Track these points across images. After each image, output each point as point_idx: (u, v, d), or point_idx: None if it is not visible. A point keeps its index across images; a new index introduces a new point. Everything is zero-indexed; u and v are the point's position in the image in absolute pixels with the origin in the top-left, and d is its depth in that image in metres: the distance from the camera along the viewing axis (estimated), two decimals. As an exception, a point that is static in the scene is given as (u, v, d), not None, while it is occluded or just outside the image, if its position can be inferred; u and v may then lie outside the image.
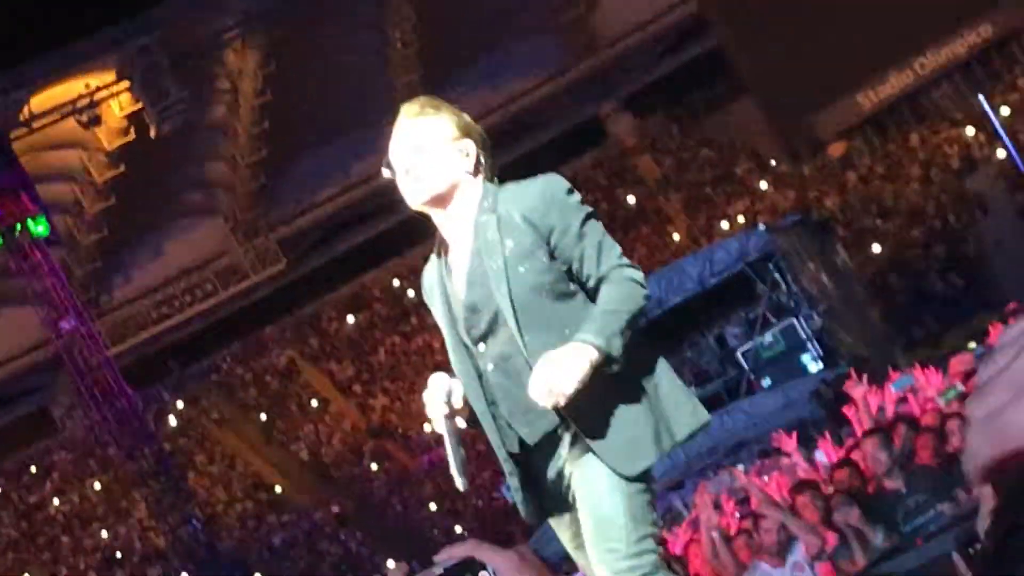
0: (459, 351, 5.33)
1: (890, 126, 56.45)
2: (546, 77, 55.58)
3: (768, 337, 31.19)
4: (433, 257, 5.45)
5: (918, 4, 52.78)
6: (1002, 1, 54.70)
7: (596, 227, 5.27)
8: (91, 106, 47.67)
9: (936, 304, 45.58)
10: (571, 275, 5.25)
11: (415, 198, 5.33)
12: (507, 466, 5.32)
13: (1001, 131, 31.02)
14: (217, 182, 58.69)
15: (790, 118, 55.71)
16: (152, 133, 47.86)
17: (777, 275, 31.68)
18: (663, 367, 5.40)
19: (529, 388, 5.04)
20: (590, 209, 5.32)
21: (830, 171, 55.80)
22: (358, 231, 58.67)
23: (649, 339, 5.26)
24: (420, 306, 56.26)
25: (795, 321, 31.10)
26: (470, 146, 5.36)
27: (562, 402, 5.01)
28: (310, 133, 57.21)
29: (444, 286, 5.37)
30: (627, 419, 5.23)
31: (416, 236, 43.89)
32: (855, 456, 11.82)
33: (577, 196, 5.36)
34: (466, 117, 5.54)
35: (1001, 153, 49.64)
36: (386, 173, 5.40)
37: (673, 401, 5.31)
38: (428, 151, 5.33)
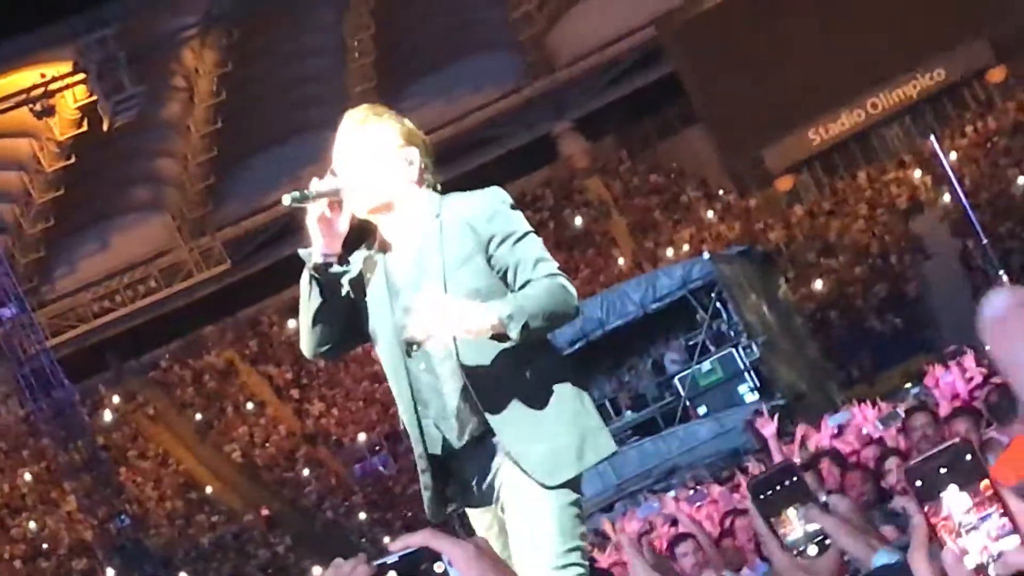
0: (391, 350, 5.32)
1: (839, 164, 56.81)
2: (501, 93, 55.77)
3: (706, 365, 31.15)
4: (375, 254, 5.43)
5: (873, 44, 53.30)
6: (957, 46, 55.09)
7: (535, 241, 5.29)
8: (45, 96, 47.38)
9: (874, 343, 45.92)
10: (506, 284, 5.26)
11: (361, 206, 5.30)
12: (421, 463, 5.33)
13: (950, 173, 31.21)
14: (166, 179, 58.40)
15: (740, 149, 56.06)
16: (105, 126, 47.67)
17: (719, 304, 32.06)
18: (586, 393, 5.46)
19: (417, 307, 5.09)
20: (530, 227, 5.34)
21: (777, 204, 56.01)
22: (305, 236, 55.96)
23: (586, 360, 5.24)
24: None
25: (734, 351, 31.16)
26: (414, 154, 5.34)
27: (433, 333, 5.05)
28: (263, 135, 57.25)
29: (386, 284, 5.37)
30: (551, 431, 5.23)
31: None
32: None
33: (519, 211, 5.38)
34: (409, 124, 5.52)
35: (947, 197, 50.01)
36: (328, 182, 5.30)
37: (597, 422, 5.34)
38: (372, 159, 5.30)
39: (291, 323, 57.19)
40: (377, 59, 55.24)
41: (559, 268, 5.30)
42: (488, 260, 5.27)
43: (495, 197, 5.43)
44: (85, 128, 48.83)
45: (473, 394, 5.25)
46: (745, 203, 57.03)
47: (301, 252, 5.33)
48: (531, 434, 5.22)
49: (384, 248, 5.37)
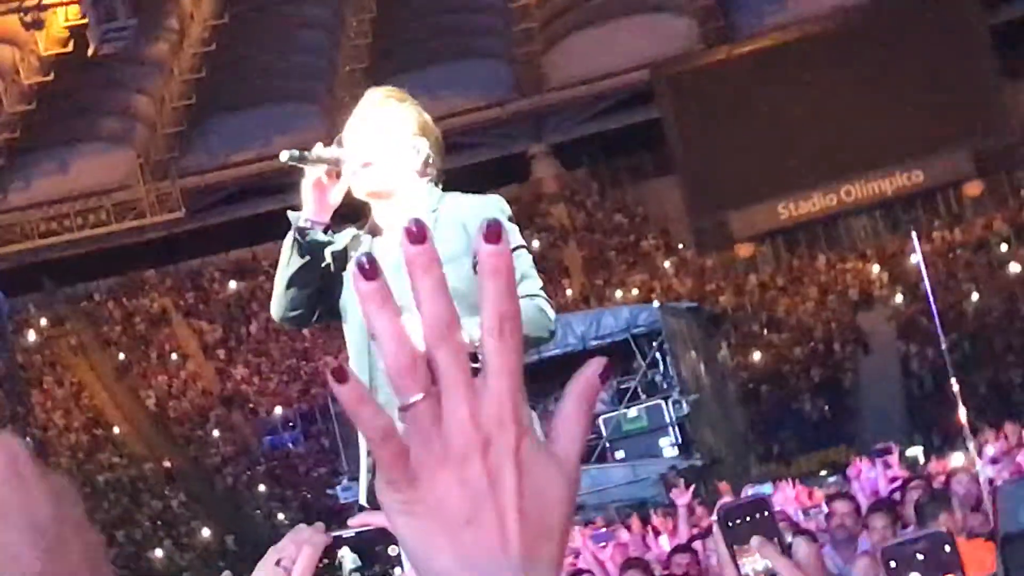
0: (359, 331, 5.35)
1: (801, 242, 57.09)
2: (486, 103, 56.14)
3: (633, 411, 31.27)
4: (365, 235, 5.44)
5: (858, 133, 53.75)
6: (940, 152, 55.43)
7: (525, 257, 5.36)
8: (38, 8, 47.41)
9: (799, 424, 46.11)
10: None
11: (361, 186, 5.32)
12: (364, 448, 5.17)
13: (924, 273, 31.56)
14: (140, 116, 58.43)
15: (708, 208, 56.04)
16: (90, 51, 47.62)
17: (658, 354, 31.83)
18: (536, 419, 5.20)
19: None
20: (523, 242, 5.45)
21: (732, 269, 56.22)
22: (263, 200, 57.11)
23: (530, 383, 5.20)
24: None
25: (663, 403, 31.23)
26: (424, 145, 5.37)
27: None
28: (242, 94, 57.45)
29: (369, 249, 5.35)
30: None
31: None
32: (696, 546, 11.94)
33: (515, 225, 5.42)
34: (426, 116, 5.55)
35: (899, 297, 50.83)
36: (332, 151, 5.30)
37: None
38: (383, 140, 5.33)
39: (232, 284, 57.09)
40: (372, 43, 55.44)
41: (542, 289, 5.34)
42: (474, 265, 4.95)
43: (495, 205, 5.49)
44: (70, 49, 48.81)
45: None
46: (702, 261, 57.06)
47: (290, 214, 5.34)
48: None
49: (374, 231, 5.38)
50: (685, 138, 56.75)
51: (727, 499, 14.65)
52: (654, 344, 32.15)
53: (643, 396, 32.04)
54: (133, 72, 57.13)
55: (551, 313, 5.29)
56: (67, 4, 47.88)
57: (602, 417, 30.01)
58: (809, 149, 54.54)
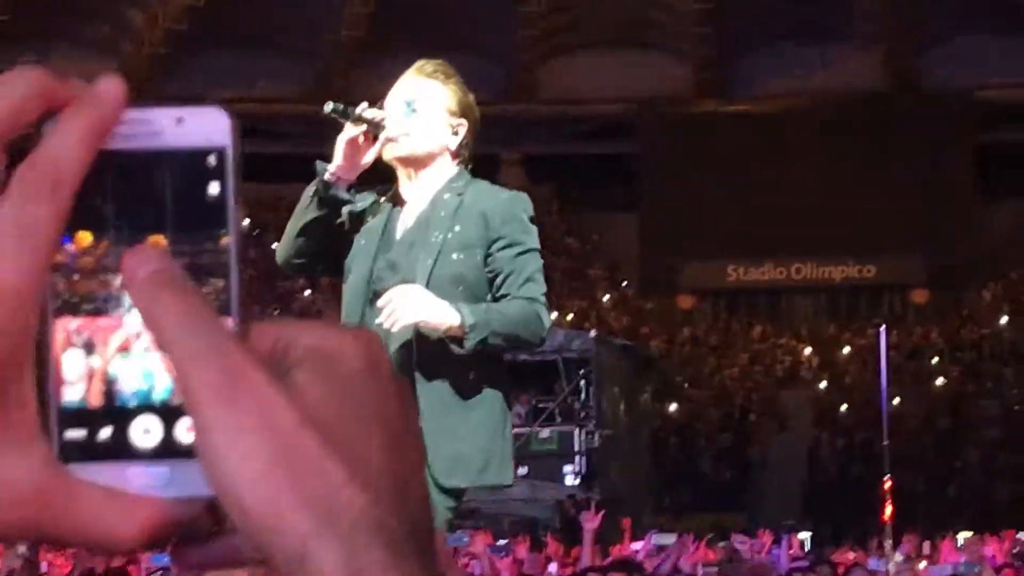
0: (357, 293, 5.43)
1: (742, 308, 57.52)
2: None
3: (545, 432, 31.47)
4: (386, 202, 5.47)
5: (822, 215, 54.36)
6: (896, 252, 56.28)
7: (537, 260, 5.42)
8: None
9: (699, 483, 46.31)
10: (491, 287, 5.37)
11: (393, 150, 5.35)
12: None
13: (883, 360, 32.16)
14: (129, 28, 58.62)
15: (660, 253, 56.23)
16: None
17: (583, 383, 32.26)
18: (510, 419, 5.63)
19: (389, 293, 5.17)
20: (538, 245, 5.49)
21: (670, 318, 56.65)
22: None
23: (514, 387, 5.39)
24: (249, 236, 55.62)
25: (577, 431, 31.39)
26: (463, 126, 5.42)
27: (395, 319, 5.10)
28: (237, 32, 57.46)
29: (382, 232, 5.44)
30: (467, 438, 5.33)
31: (288, 173, 44.17)
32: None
33: (535, 226, 5.55)
34: (471, 98, 5.59)
35: (823, 384, 51.40)
36: (376, 112, 5.36)
37: (509, 450, 5.55)
38: (424, 112, 5.37)
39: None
40: (374, 14, 55.65)
41: (544, 295, 5.41)
42: (486, 257, 5.36)
43: (520, 203, 5.57)
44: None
45: (416, 368, 5.31)
46: (642, 303, 57.57)
47: (318, 164, 5.40)
48: (448, 433, 5.28)
49: (396, 200, 5.45)
50: (655, 180, 57.19)
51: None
52: (581, 372, 32.65)
53: (558, 420, 32.42)
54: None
55: (546, 321, 5.37)
56: None
57: (514, 431, 30.35)
58: (771, 220, 54.66)
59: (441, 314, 5.17)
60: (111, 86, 0.81)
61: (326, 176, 5.37)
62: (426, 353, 5.33)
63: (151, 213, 0.81)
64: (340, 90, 56.47)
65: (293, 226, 5.54)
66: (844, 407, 49.30)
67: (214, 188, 0.81)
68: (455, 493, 5.45)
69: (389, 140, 5.36)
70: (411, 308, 5.19)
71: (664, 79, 59.97)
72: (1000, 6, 58.57)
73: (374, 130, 5.31)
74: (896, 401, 48.32)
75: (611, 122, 60.27)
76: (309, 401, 0.80)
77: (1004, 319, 54.24)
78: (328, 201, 5.38)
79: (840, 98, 58.04)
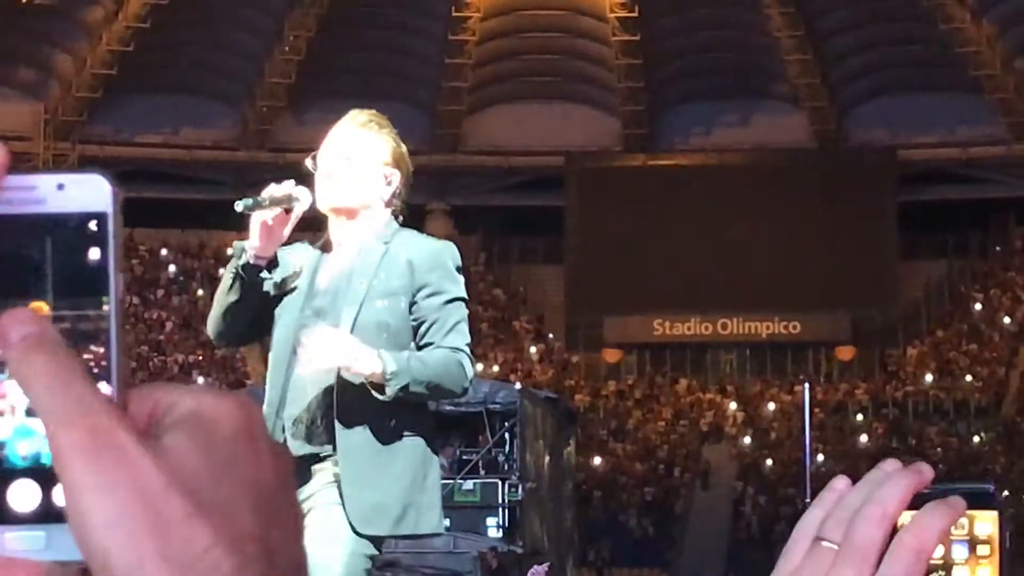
0: (284, 340, 5.48)
1: (668, 362, 57.89)
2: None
3: (469, 484, 31.30)
4: (316, 250, 5.56)
5: (748, 271, 54.94)
6: (822, 309, 56.92)
7: (462, 310, 5.46)
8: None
9: (621, 537, 46.44)
10: (415, 335, 5.43)
11: (327, 201, 5.42)
12: None
13: (807, 417, 31.75)
14: (57, 73, 58.80)
15: (586, 306, 56.73)
16: (24, -7, 48.20)
17: (508, 435, 31.71)
18: (437, 466, 5.61)
19: (314, 336, 5.26)
20: (464, 295, 5.52)
21: (595, 371, 56.94)
22: (156, 186, 58.18)
23: (438, 436, 5.48)
24: (172, 283, 54.99)
25: (500, 483, 31.19)
26: (395, 176, 5.47)
27: (317, 363, 5.23)
28: (164, 77, 57.69)
29: (310, 281, 5.48)
30: (386, 487, 5.40)
31: (213, 220, 43.78)
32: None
33: (462, 276, 5.60)
34: (403, 148, 5.65)
35: (747, 439, 51.85)
36: (284, 190, 5.37)
37: (432, 499, 5.49)
38: (357, 164, 5.44)
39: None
40: (303, 61, 56.03)
41: (468, 345, 5.48)
42: (411, 305, 5.44)
43: (447, 253, 5.63)
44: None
45: (336, 416, 5.39)
46: (567, 356, 57.89)
47: (236, 244, 5.49)
48: (368, 482, 5.40)
49: (326, 247, 5.52)
50: (581, 233, 57.50)
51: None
52: (506, 424, 31.92)
53: (482, 472, 32.00)
54: (62, 28, 57.26)
55: (469, 371, 5.43)
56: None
57: (440, 482, 30.45)
58: (697, 274, 55.48)
59: (363, 360, 5.22)
60: None
61: (247, 259, 5.43)
62: (346, 400, 5.38)
63: (32, 279, 0.83)
64: (265, 136, 56.98)
65: (218, 306, 5.61)
66: (768, 463, 49.98)
67: (95, 254, 0.83)
68: (373, 541, 5.43)
69: (324, 186, 5.46)
70: (333, 352, 5.26)
71: (591, 132, 60.58)
72: (923, 68, 60.18)
73: (287, 204, 5.33)
74: (820, 458, 48.95)
75: (538, 174, 60.83)
76: (180, 464, 0.82)
77: (929, 377, 54.93)
78: (249, 282, 5.45)
79: (766, 155, 58.54)
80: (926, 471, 1.19)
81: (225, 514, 0.82)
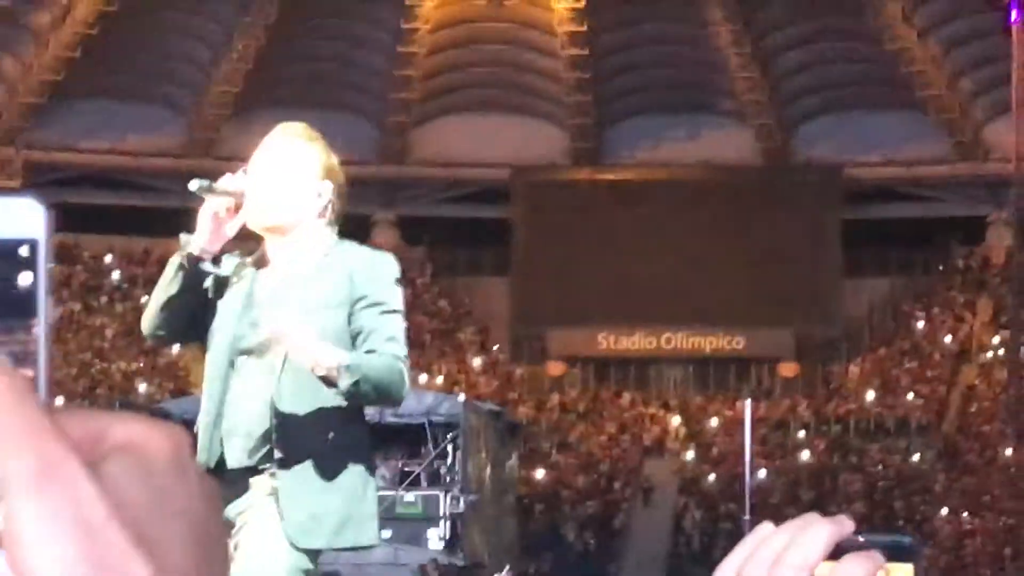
0: (220, 354, 5.53)
1: (612, 376, 58.09)
2: (344, 159, 57.31)
3: (411, 496, 31.48)
4: (250, 264, 5.59)
5: (693, 286, 55.01)
6: (765, 325, 57.17)
7: (398, 322, 5.51)
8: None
9: (561, 550, 46.37)
10: (354, 344, 5.47)
11: (259, 220, 5.42)
12: None
13: (749, 432, 32.32)
14: (3, 77, 58.16)
15: (531, 319, 56.95)
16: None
17: (450, 447, 32.23)
18: (376, 478, 5.75)
19: (273, 316, 5.31)
20: (402, 307, 5.60)
21: (539, 384, 57.09)
22: (100, 192, 58.74)
23: (380, 448, 5.48)
24: (116, 290, 54.61)
25: (441, 496, 31.41)
26: (327, 189, 5.48)
27: (278, 337, 5.25)
28: (110, 84, 57.43)
29: (245, 294, 5.52)
30: (324, 499, 5.45)
31: (158, 227, 43.95)
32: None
33: (400, 288, 5.64)
34: (334, 160, 5.66)
35: (690, 454, 51.72)
36: (238, 183, 5.42)
37: (370, 511, 5.56)
38: (287, 178, 5.45)
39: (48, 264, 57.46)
40: (251, 71, 56.29)
41: (405, 357, 5.53)
42: (350, 315, 5.50)
43: (386, 265, 5.69)
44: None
45: (274, 428, 5.44)
46: (511, 369, 57.91)
47: (182, 236, 5.49)
48: (306, 493, 5.43)
49: (260, 263, 5.55)
50: (527, 246, 57.59)
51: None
52: (449, 436, 32.31)
53: (424, 484, 32.31)
54: (9, 32, 56.99)
55: (407, 381, 5.52)
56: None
57: (379, 494, 30.12)
58: (642, 289, 55.39)
59: (321, 348, 5.25)
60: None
61: (192, 251, 5.43)
62: (285, 412, 5.41)
63: None
64: (212, 144, 56.93)
65: (157, 300, 5.60)
66: (710, 478, 49.95)
67: (26, 279, 0.84)
68: (310, 554, 5.46)
69: (255, 206, 5.45)
70: (295, 336, 5.27)
71: (538, 146, 60.71)
72: (870, 87, 60.64)
73: (239, 199, 5.39)
74: (761, 473, 49.15)
75: (484, 186, 60.78)
76: (118, 495, 0.82)
77: (871, 394, 55.30)
78: (192, 274, 5.47)
79: (712, 170, 58.77)
80: (846, 523, 1.29)
81: (162, 546, 0.83)
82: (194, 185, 5.43)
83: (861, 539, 1.33)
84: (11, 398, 0.83)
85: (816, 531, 1.35)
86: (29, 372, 0.88)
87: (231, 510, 5.65)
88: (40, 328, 0.87)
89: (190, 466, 0.89)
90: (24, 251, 0.86)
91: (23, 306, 0.87)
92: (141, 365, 53.23)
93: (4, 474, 0.81)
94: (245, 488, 5.60)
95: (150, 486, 0.85)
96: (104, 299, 56.52)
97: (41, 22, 58.05)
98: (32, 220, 0.86)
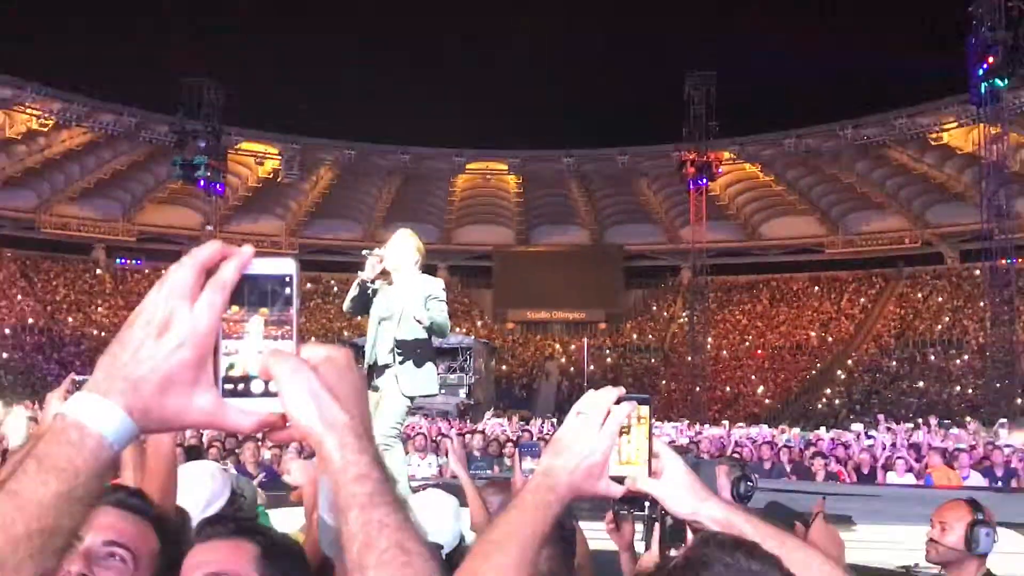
0: (375, 320, 9.26)
1: (533, 329, 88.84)
2: (426, 242, 47.91)
3: (453, 378, 46.53)
4: (386, 285, 9.33)
5: (554, 289, 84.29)
6: (594, 308, 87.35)
7: (444, 305, 9.25)
8: None
9: (506, 395, 64.57)
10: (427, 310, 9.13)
11: (391, 266, 9.29)
12: (367, 367, 9.23)
13: (587, 355, 37.67)
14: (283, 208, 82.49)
15: (502, 306, 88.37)
16: None
17: (469, 358, 50.81)
18: (435, 367, 9.40)
19: (403, 306, 9.01)
20: (444, 299, 9.39)
21: (503, 333, 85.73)
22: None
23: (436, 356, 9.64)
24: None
25: (464, 377, 49.49)
26: (418, 258, 9.47)
27: (403, 315, 8.81)
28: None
29: (386, 297, 9.33)
30: (416, 373, 9.07)
31: (343, 267, 79.94)
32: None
33: (444, 292, 9.42)
34: (420, 243, 9.59)
35: (562, 360, 78.18)
36: (378, 250, 9.27)
37: (436, 381, 9.42)
38: (403, 253, 9.38)
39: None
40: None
41: (447, 318, 9.24)
42: (425, 300, 9.12)
43: (439, 282, 9.36)
44: None
45: (396, 347, 9.01)
46: (492, 326, 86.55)
47: (360, 274, 9.08)
48: (407, 372, 8.99)
49: (391, 283, 9.16)
50: (499, 278, 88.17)
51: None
52: (468, 353, 49.70)
53: (456, 374, 48.22)
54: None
55: (448, 328, 9.36)
56: None
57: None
58: (548, 296, 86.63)
59: (421, 312, 9.12)
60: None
61: (364, 277, 9.00)
62: (399, 340, 9.03)
63: (269, 301, 1.67)
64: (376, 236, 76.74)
65: (350, 297, 9.19)
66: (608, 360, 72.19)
67: (287, 290, 1.70)
68: (410, 399, 9.08)
69: (388, 263, 9.12)
70: (413, 313, 9.21)
71: (502, 235, 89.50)
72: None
73: (381, 258, 9.14)
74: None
75: (482, 253, 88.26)
76: (326, 379, 1.62)
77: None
78: (364, 291, 9.10)
79: (574, 248, 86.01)
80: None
81: (343, 399, 1.59)
82: (365, 253, 8.96)
83: (627, 393, 2.29)
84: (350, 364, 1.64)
85: (609, 389, 2.22)
86: (290, 341, 1.66)
87: (379, 383, 9.10)
88: (294, 313, 1.63)
89: (354, 366, 1.62)
90: (287, 279, 1.64)
91: (286, 301, 1.64)
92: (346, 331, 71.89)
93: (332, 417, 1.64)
94: (382, 373, 9.03)
95: (339, 375, 1.60)
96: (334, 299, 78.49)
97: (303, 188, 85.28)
98: (290, 264, 1.62)
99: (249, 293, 1.69)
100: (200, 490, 4.49)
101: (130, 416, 1.58)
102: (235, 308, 1.68)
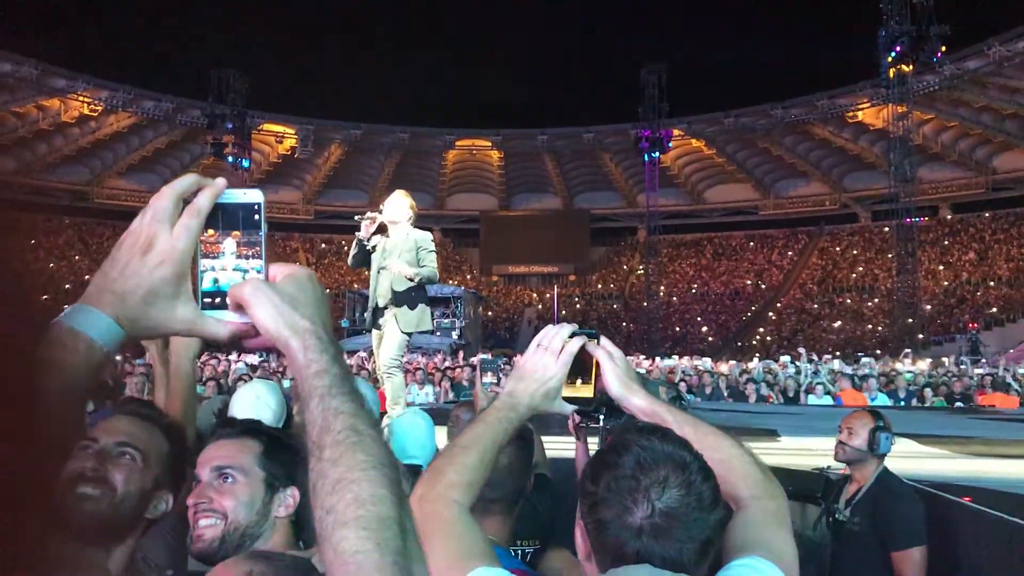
0: (374, 268, 8.99)
1: (513, 281, 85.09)
2: (420, 204, 66.36)
3: (447, 321, 47.74)
4: (384, 237, 9.04)
5: (537, 238, 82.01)
6: (567, 262, 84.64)
7: (434, 256, 8.93)
8: None
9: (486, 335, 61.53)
10: (418, 263, 8.90)
11: (389, 219, 8.98)
12: (370, 309, 9.05)
13: (556, 303, 37.05)
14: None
15: (487, 262, 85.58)
16: None
17: (459, 305, 50.72)
18: (430, 312, 9.11)
19: (390, 268, 8.51)
20: (434, 250, 9.00)
21: (489, 284, 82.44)
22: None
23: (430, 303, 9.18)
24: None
25: (456, 321, 48.89)
26: (412, 215, 9.20)
27: (393, 270, 8.44)
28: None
29: (383, 247, 8.97)
30: (412, 313, 8.89)
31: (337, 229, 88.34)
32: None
33: (434, 244, 9.07)
34: (414, 202, 9.29)
35: (538, 306, 79.60)
36: (376, 215, 8.85)
37: (429, 320, 9.17)
38: (400, 210, 9.11)
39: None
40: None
41: (435, 268, 8.75)
42: (416, 252, 8.77)
43: (427, 237, 9.03)
44: None
45: (392, 291, 8.76)
46: (480, 279, 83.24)
47: (357, 234, 8.81)
48: (404, 314, 8.83)
49: (387, 236, 8.88)
50: (485, 238, 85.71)
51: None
52: (458, 301, 48.99)
53: (448, 319, 47.99)
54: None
55: (437, 277, 8.93)
56: None
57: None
58: (523, 253, 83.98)
59: (407, 268, 8.73)
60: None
61: (360, 236, 8.74)
62: (395, 290, 8.80)
63: (241, 224, 1.70)
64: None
65: (352, 254, 9.01)
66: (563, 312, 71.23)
67: (257, 215, 1.70)
68: (409, 335, 8.89)
69: (388, 217, 8.77)
70: (399, 269, 8.64)
71: (487, 200, 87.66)
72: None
73: (373, 219, 8.81)
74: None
75: (472, 216, 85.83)
76: (287, 292, 1.59)
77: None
78: (363, 247, 8.84)
79: (554, 212, 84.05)
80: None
81: (304, 308, 1.62)
82: (357, 218, 8.63)
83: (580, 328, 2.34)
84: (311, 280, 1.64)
85: (564, 326, 2.23)
86: (259, 260, 1.64)
87: (381, 322, 8.90)
88: (262, 236, 1.62)
89: (314, 280, 1.64)
90: (256, 207, 1.64)
91: (256, 225, 1.63)
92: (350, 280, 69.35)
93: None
94: (383, 314, 8.74)
95: (299, 287, 1.63)
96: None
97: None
98: (258, 194, 1.66)
99: (223, 218, 1.70)
100: (275, 406, 4.36)
101: (118, 323, 1.60)
102: (211, 231, 1.70)
